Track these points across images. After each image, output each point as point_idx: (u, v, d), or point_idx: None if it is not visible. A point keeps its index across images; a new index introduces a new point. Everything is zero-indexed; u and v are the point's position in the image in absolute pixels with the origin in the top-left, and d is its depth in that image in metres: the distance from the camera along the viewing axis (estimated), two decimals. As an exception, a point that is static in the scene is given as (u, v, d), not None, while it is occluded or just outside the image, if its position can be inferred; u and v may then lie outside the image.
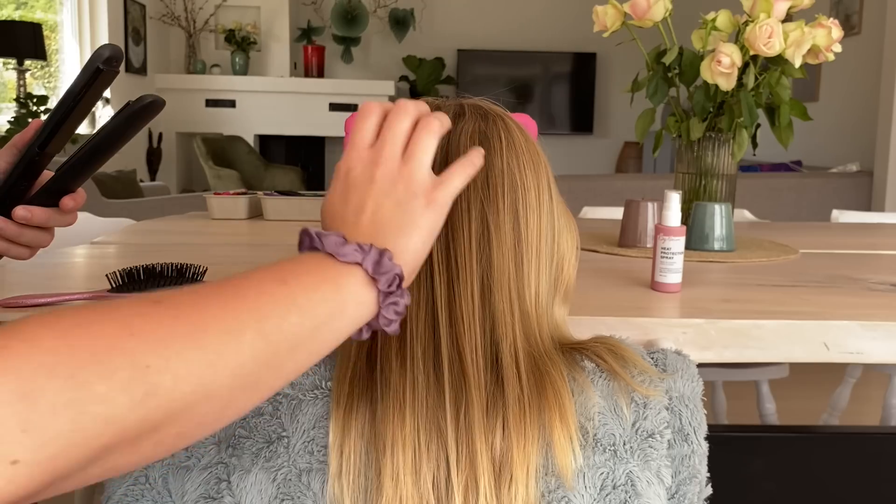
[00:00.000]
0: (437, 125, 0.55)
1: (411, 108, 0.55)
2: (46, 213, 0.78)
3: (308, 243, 0.50)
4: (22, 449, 0.33)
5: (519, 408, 0.54)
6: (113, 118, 0.72)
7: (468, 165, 0.55)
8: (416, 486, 0.52)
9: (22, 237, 0.79)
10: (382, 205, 0.53)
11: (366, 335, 0.51)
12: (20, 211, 0.77)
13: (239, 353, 0.42)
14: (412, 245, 0.52)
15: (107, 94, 5.05)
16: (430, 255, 0.57)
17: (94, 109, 4.91)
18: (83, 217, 1.71)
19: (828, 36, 1.29)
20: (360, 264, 0.49)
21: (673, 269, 0.94)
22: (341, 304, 0.48)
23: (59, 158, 0.78)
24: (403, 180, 0.53)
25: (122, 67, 5.57)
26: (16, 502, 0.33)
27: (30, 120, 3.39)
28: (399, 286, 0.50)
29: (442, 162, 0.58)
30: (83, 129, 4.74)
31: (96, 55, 0.69)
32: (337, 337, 0.48)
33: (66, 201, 0.79)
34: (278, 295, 0.45)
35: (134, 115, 0.71)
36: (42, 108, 3.95)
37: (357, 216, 0.52)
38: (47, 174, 0.80)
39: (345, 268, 0.48)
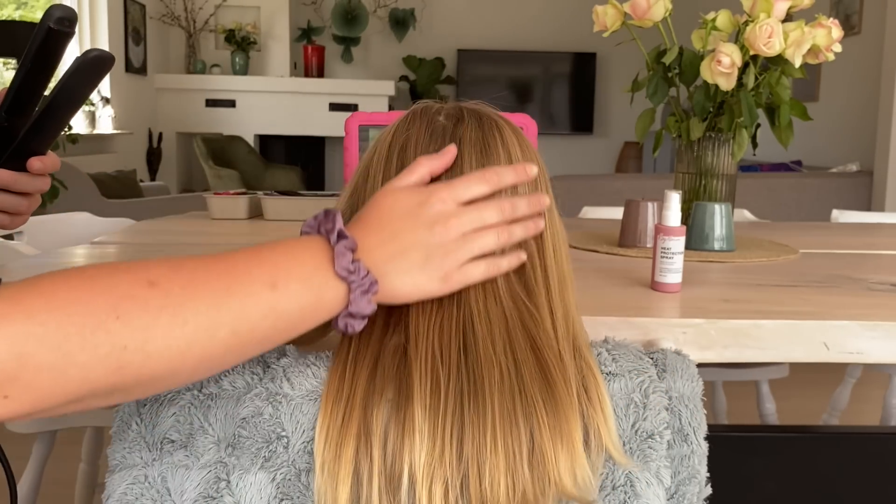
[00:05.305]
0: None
1: (505, 207, 0.58)
2: (13, 175, 0.79)
3: (322, 226, 0.54)
4: (10, 389, 0.42)
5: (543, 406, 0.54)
6: (63, 75, 0.73)
7: (493, 267, 0.58)
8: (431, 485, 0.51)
9: None
10: (412, 245, 0.56)
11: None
12: None
13: (210, 346, 0.48)
14: (404, 293, 0.56)
15: (106, 93, 5.06)
16: None
17: (91, 106, 4.91)
18: (83, 217, 1.71)
19: (828, 36, 1.29)
20: (349, 283, 0.53)
21: (673, 269, 0.94)
22: (316, 311, 0.53)
23: None
24: (445, 240, 0.56)
25: (122, 67, 5.53)
26: (4, 420, 0.44)
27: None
28: (363, 319, 0.54)
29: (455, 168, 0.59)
30: (82, 126, 4.74)
31: (47, 15, 0.69)
32: (300, 332, 0.53)
33: (33, 163, 0.79)
34: (262, 300, 0.50)
35: (81, 70, 0.72)
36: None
37: (382, 243, 0.56)
38: None
39: (333, 281, 0.53)
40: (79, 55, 0.71)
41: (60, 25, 0.69)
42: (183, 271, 0.49)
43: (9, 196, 0.80)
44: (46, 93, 0.75)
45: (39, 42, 0.70)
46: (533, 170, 0.60)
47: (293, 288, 0.51)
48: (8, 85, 0.75)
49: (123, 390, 0.46)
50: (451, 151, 0.59)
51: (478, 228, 0.57)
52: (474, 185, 0.58)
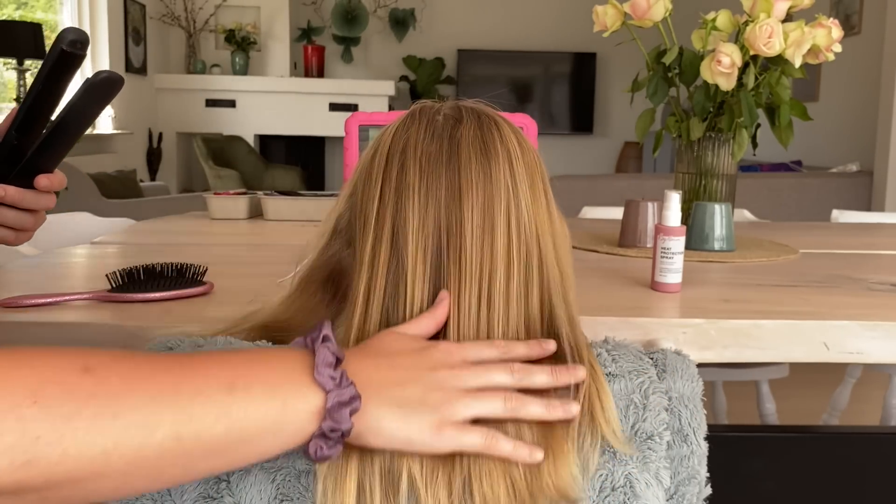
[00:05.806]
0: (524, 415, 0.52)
1: (516, 369, 0.53)
2: (20, 192, 0.79)
3: (308, 336, 0.49)
4: None
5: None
6: (73, 95, 0.74)
7: (492, 441, 0.51)
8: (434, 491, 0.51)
9: (0, 218, 0.80)
10: (409, 380, 0.50)
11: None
12: None
13: (144, 448, 0.41)
14: (390, 430, 0.48)
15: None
16: (436, 264, 0.57)
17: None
18: (83, 217, 1.71)
19: (828, 36, 1.29)
20: (326, 392, 0.45)
21: (673, 269, 0.94)
22: (279, 425, 0.45)
23: None
24: (446, 386, 0.50)
25: (122, 68, 5.54)
26: None
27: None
28: (340, 439, 0.46)
29: (448, 161, 0.58)
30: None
31: (60, 37, 0.70)
32: (263, 453, 0.46)
33: (40, 180, 0.80)
34: (215, 401, 0.43)
35: (91, 91, 0.73)
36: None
37: (377, 368, 0.50)
38: None
39: (307, 388, 0.46)
40: (89, 76, 0.72)
41: (73, 48, 0.71)
42: (128, 362, 0.43)
43: (15, 212, 0.81)
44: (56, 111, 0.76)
45: (52, 63, 0.71)
46: (551, 345, 0.55)
47: (255, 392, 0.44)
48: (17, 100, 0.76)
49: (34, 491, 0.39)
50: (444, 300, 0.55)
51: (483, 388, 0.51)
52: (483, 348, 0.53)
